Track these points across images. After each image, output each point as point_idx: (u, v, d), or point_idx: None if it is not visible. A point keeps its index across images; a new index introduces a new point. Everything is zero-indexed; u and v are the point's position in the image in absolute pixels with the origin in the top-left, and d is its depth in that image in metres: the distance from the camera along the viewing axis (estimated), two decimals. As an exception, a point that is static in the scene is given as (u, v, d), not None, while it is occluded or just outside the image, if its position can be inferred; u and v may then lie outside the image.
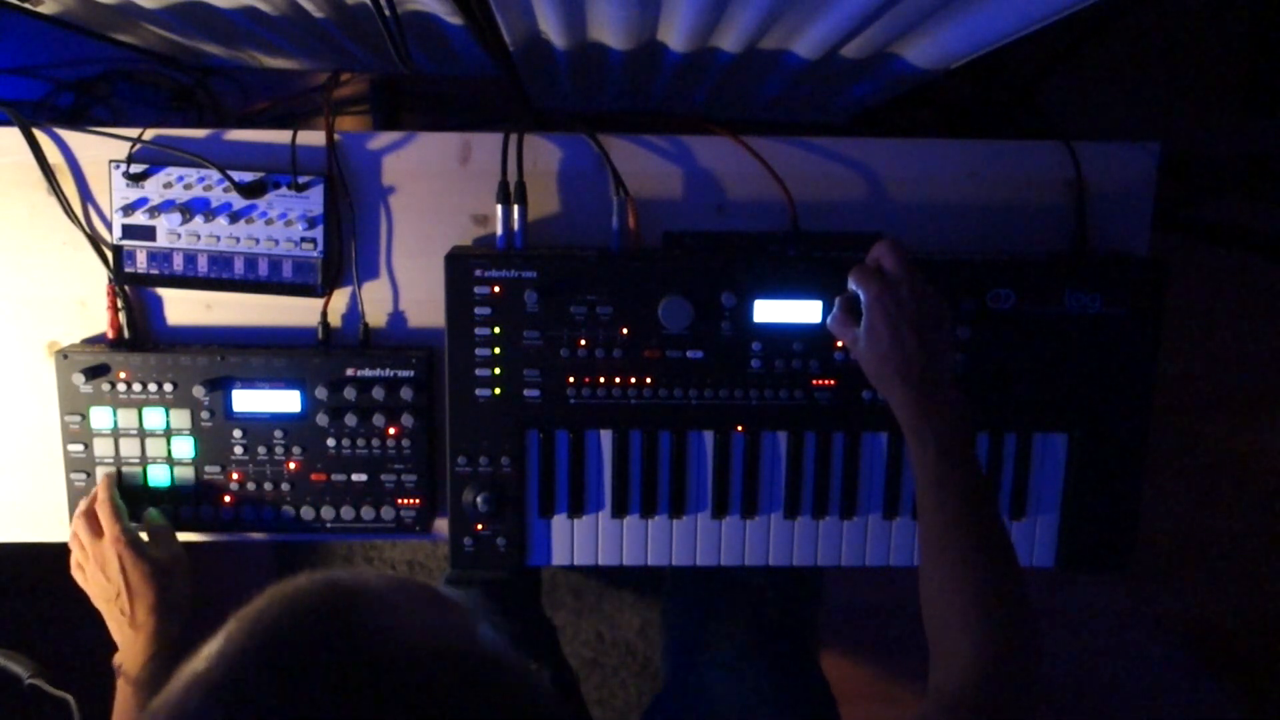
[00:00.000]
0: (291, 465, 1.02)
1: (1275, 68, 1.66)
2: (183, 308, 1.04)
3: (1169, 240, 1.38)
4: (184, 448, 1.01)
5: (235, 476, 1.02)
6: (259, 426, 1.01)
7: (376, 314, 1.04)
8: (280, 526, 1.04)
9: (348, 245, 1.03)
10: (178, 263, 1.00)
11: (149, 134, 1.00)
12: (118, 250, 1.00)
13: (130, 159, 0.99)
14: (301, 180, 0.99)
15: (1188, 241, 1.58)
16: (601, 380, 0.98)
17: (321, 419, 1.00)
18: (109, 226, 1.00)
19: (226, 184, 0.98)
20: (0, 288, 1.03)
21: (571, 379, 0.98)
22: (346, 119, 1.60)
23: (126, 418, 1.00)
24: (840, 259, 0.96)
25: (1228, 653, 2.15)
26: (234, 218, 0.99)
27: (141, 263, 1.00)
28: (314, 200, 0.99)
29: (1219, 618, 2.15)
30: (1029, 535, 1.04)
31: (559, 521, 1.03)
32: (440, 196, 1.03)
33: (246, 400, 1.00)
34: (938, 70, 1.04)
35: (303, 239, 1.00)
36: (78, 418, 1.00)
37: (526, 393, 0.98)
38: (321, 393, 1.00)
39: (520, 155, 1.00)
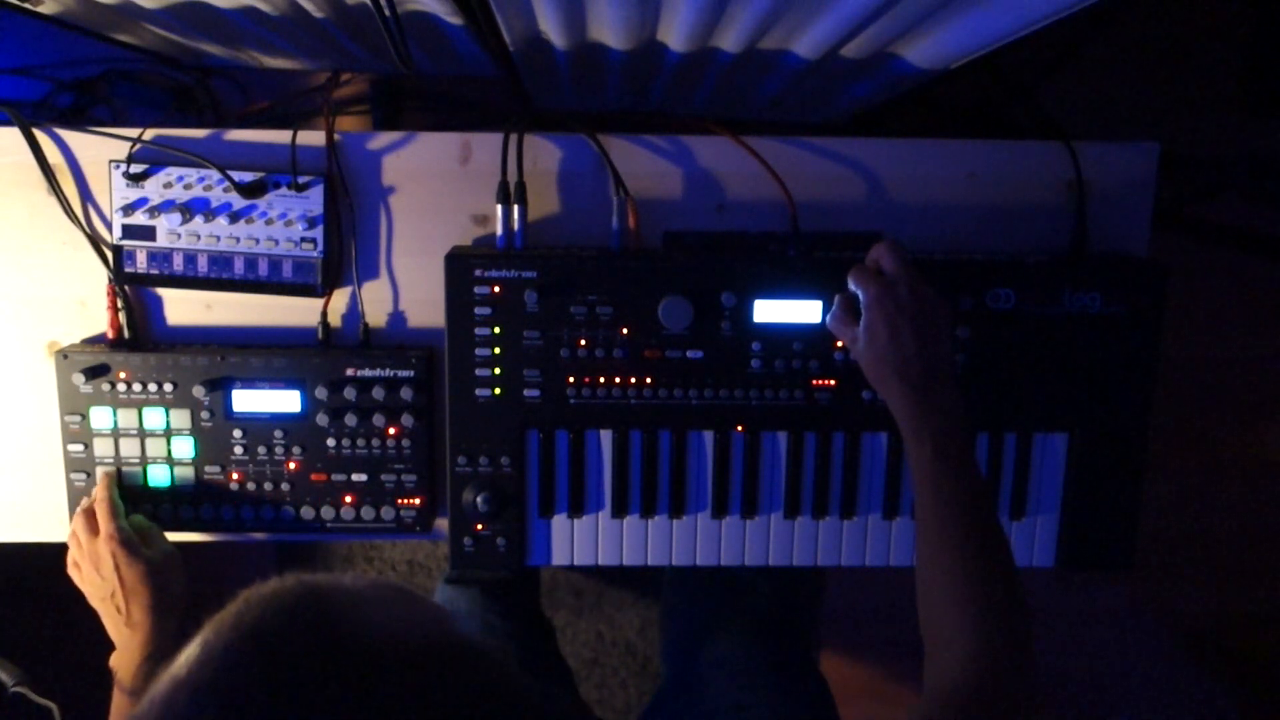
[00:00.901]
0: (291, 465, 1.02)
1: (1275, 68, 1.66)
2: (183, 308, 1.04)
3: (1169, 240, 1.38)
4: (184, 448, 1.01)
5: (235, 476, 1.02)
6: (259, 426, 1.01)
7: (376, 314, 1.04)
8: (280, 526, 1.04)
9: (348, 245, 1.03)
10: (178, 263, 1.00)
11: (149, 134, 1.00)
12: (118, 250, 1.00)
13: (130, 159, 0.99)
14: (301, 180, 0.99)
15: (1188, 241, 1.58)
16: (601, 380, 0.98)
17: (321, 419, 1.00)
18: (109, 226, 1.00)
19: (226, 184, 0.98)
20: (0, 288, 1.03)
21: (571, 379, 0.98)
22: (346, 119, 1.60)
23: (126, 418, 1.00)
24: (840, 259, 0.96)
25: (1228, 653, 2.15)
26: (234, 218, 0.99)
27: (141, 263, 1.00)
28: (314, 200, 0.99)
29: (1219, 618, 2.15)
30: (1029, 535, 1.04)
31: (559, 521, 1.03)
32: (440, 196, 1.03)
33: (246, 400, 1.00)
34: (938, 70, 1.04)
35: (303, 239, 1.00)
36: (78, 418, 1.00)
37: (526, 393, 0.98)
38: (321, 393, 1.00)
39: (520, 155, 1.00)
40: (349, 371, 1.00)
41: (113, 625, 0.96)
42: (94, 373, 0.99)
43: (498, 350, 0.97)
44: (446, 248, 1.00)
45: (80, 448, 1.01)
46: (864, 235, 1.03)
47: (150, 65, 1.37)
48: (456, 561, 1.01)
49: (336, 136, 1.01)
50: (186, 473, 1.02)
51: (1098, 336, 0.98)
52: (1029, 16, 0.83)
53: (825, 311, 0.96)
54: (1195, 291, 1.91)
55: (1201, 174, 1.45)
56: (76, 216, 1.01)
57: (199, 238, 1.00)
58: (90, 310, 1.03)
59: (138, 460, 1.01)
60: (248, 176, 0.98)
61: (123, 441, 1.01)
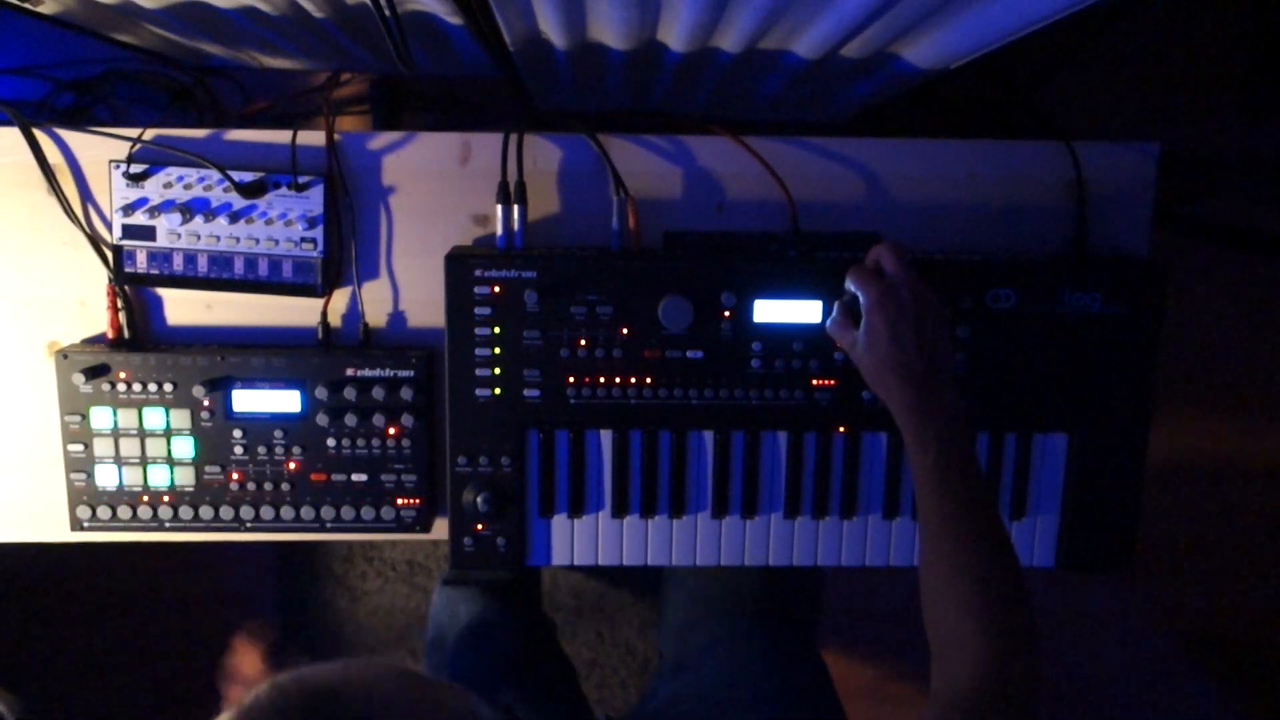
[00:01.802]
0: (291, 465, 1.02)
1: (1275, 68, 1.66)
2: (183, 308, 1.04)
3: (1169, 240, 1.38)
4: (184, 448, 1.01)
5: (235, 476, 1.02)
6: (259, 426, 1.01)
7: (376, 314, 1.04)
8: (280, 527, 1.04)
9: (348, 245, 1.03)
10: (178, 263, 1.00)
11: (149, 134, 1.00)
12: (118, 250, 1.00)
13: (130, 159, 0.99)
14: (301, 180, 0.99)
15: (1188, 241, 1.58)
16: (601, 380, 0.98)
17: (321, 419, 1.00)
18: (109, 226, 1.00)
19: (226, 184, 0.98)
20: (0, 288, 1.03)
21: (571, 379, 0.98)
22: (346, 119, 1.60)
23: (126, 418, 1.00)
24: (840, 259, 0.96)
25: (1228, 653, 2.15)
26: (234, 218, 0.99)
27: (141, 263, 1.00)
28: (314, 200, 0.99)
29: (1219, 618, 2.15)
30: (1029, 535, 1.04)
31: (559, 521, 1.03)
32: (440, 196, 1.03)
33: (246, 400, 1.00)
34: (938, 70, 1.04)
35: (303, 239, 1.00)
36: (78, 418, 1.00)
37: (526, 393, 0.98)
38: (321, 393, 1.00)
39: (520, 155, 1.00)
40: (349, 371, 1.00)
41: None
42: (94, 373, 0.99)
43: (498, 350, 0.97)
44: (446, 248, 1.00)
45: (80, 448, 1.01)
46: (864, 235, 1.03)
47: (150, 65, 1.37)
48: (456, 561, 1.01)
49: (336, 136, 1.01)
50: (186, 473, 1.02)
51: (1098, 336, 0.98)
52: (1029, 16, 0.83)
53: (825, 311, 0.96)
54: (1195, 291, 1.91)
55: (1201, 174, 1.45)
56: (76, 216, 1.01)
57: (199, 238, 1.00)
58: (90, 310, 1.03)
59: (138, 460, 1.01)
60: (248, 176, 0.98)
61: (123, 441, 1.01)
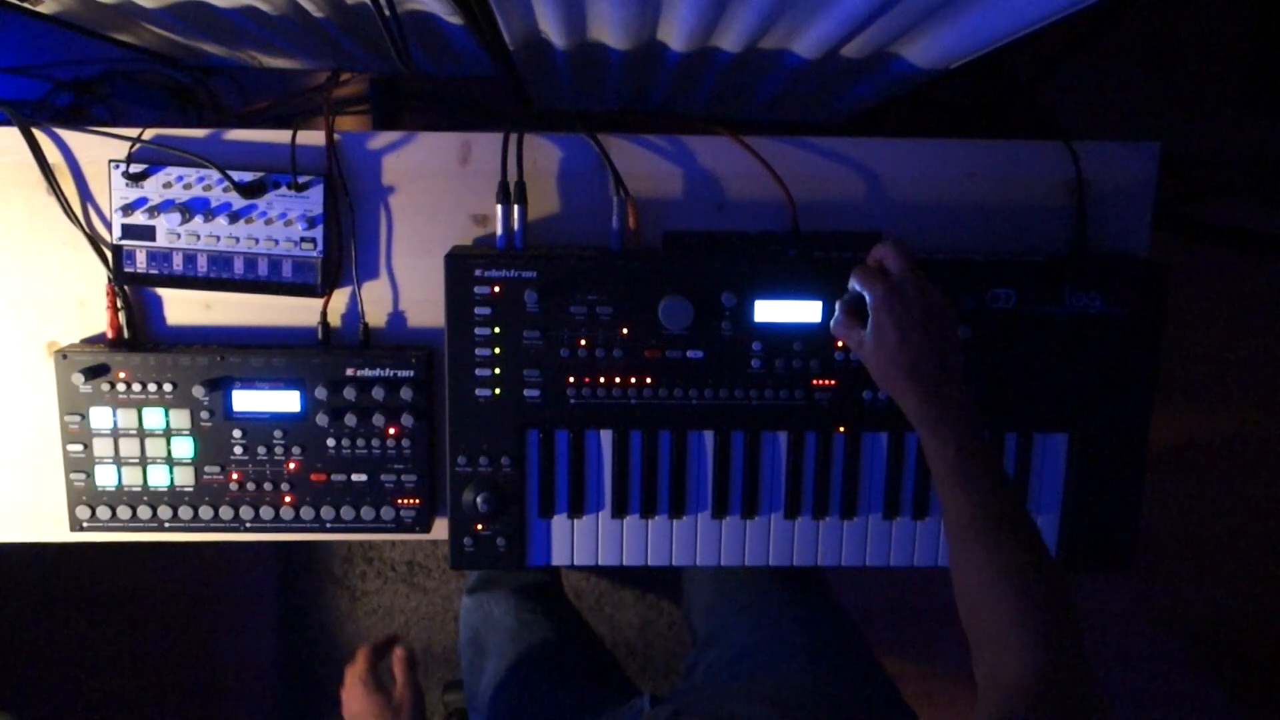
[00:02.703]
0: (291, 465, 1.02)
1: (1276, 67, 1.66)
2: (182, 308, 1.04)
3: (1169, 240, 1.38)
4: (184, 448, 1.01)
5: (235, 476, 1.02)
6: (259, 426, 1.01)
7: (376, 314, 1.04)
8: (280, 527, 1.04)
9: (348, 245, 1.03)
10: (177, 263, 1.00)
11: (149, 134, 1.00)
12: (117, 250, 1.00)
13: (130, 159, 0.99)
14: (301, 180, 0.99)
15: (1188, 241, 1.58)
16: (601, 380, 0.98)
17: (321, 419, 1.00)
18: (108, 226, 1.00)
19: (226, 184, 0.98)
20: (0, 288, 1.03)
21: (571, 379, 0.98)
22: (346, 119, 1.60)
23: (126, 418, 1.00)
24: (840, 259, 0.96)
25: (1228, 653, 2.15)
26: (234, 218, 0.99)
27: (141, 263, 1.00)
28: (314, 200, 0.99)
29: (1219, 618, 2.15)
30: (1029, 535, 1.04)
31: (559, 521, 1.03)
32: (440, 196, 1.03)
33: (246, 400, 1.00)
34: (938, 70, 1.04)
35: (302, 239, 1.00)
36: (77, 418, 1.00)
37: (526, 393, 0.98)
38: (321, 393, 1.00)
39: (520, 155, 1.00)
40: (349, 371, 1.00)
41: None
42: (94, 373, 0.99)
43: (498, 350, 0.97)
44: (446, 248, 1.00)
45: (80, 448, 1.01)
46: (864, 235, 1.03)
47: (150, 65, 1.37)
48: (456, 562, 1.01)
49: (336, 136, 1.01)
50: (186, 473, 1.02)
51: (1098, 336, 0.98)
52: (1029, 16, 0.83)
53: (825, 311, 0.96)
54: (1195, 291, 1.91)
55: (1201, 174, 1.45)
56: (76, 216, 1.01)
57: (199, 238, 1.00)
58: (90, 310, 1.03)
59: (137, 460, 1.01)
60: (247, 176, 0.98)
61: (122, 441, 1.01)
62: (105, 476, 1.01)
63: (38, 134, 1.00)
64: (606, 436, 1.01)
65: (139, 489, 1.02)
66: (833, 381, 0.99)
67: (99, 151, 1.00)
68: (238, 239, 1.00)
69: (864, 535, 1.04)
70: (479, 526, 1.00)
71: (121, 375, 1.00)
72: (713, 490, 1.02)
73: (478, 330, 0.96)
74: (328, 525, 1.03)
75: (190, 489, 1.02)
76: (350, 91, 1.59)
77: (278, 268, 1.00)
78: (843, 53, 0.99)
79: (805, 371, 0.98)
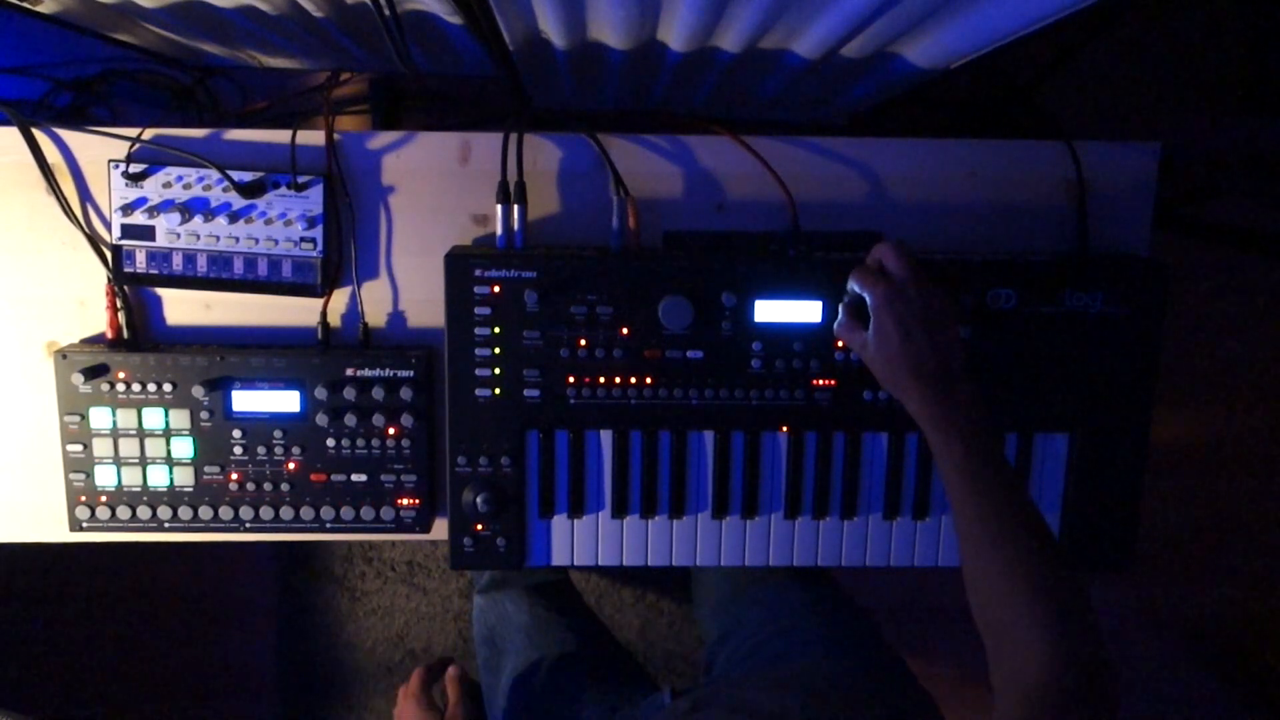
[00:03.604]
0: (291, 465, 1.02)
1: (1275, 67, 1.66)
2: (182, 308, 1.04)
3: (1169, 240, 1.38)
4: (183, 448, 1.01)
5: (235, 476, 1.02)
6: (258, 426, 1.01)
7: (376, 314, 1.04)
8: (280, 527, 1.04)
9: (347, 245, 1.02)
10: (177, 263, 1.00)
11: (148, 134, 1.00)
12: (117, 250, 1.00)
13: (129, 159, 0.99)
14: (301, 180, 0.99)
15: (1188, 241, 1.58)
16: (601, 380, 0.98)
17: (321, 419, 1.00)
18: (108, 226, 1.00)
19: (226, 184, 0.98)
20: (0, 288, 1.03)
21: (571, 379, 0.98)
22: (346, 119, 1.60)
23: (126, 418, 1.00)
24: (840, 259, 0.96)
25: (1228, 653, 2.15)
26: (233, 218, 0.99)
27: (141, 263, 1.00)
28: (314, 200, 0.99)
29: (1219, 618, 2.15)
30: (1029, 535, 1.04)
31: (559, 522, 1.03)
32: (440, 196, 1.03)
33: (246, 400, 1.00)
34: (938, 70, 1.04)
35: (302, 239, 1.00)
36: (77, 418, 1.00)
37: (526, 393, 0.98)
38: (321, 393, 1.00)
39: (520, 155, 1.00)
40: (349, 371, 1.00)
41: None
42: (93, 373, 0.99)
43: (498, 350, 0.97)
44: (446, 248, 1.00)
45: (80, 448, 1.01)
46: (864, 235, 1.03)
47: (150, 65, 1.37)
48: (456, 562, 1.01)
49: (336, 136, 1.01)
50: (186, 473, 1.02)
51: (1099, 336, 0.98)
52: (1029, 16, 0.83)
53: (825, 311, 0.96)
54: (1195, 291, 1.91)
55: (1201, 174, 1.45)
56: (76, 216, 1.01)
57: (198, 237, 1.00)
58: (90, 310, 1.03)
59: (137, 460, 1.01)
60: (247, 176, 0.98)
61: (122, 441, 1.01)
62: (105, 477, 1.01)
63: (37, 134, 1.00)
64: (606, 436, 1.01)
65: (139, 489, 1.02)
66: (833, 381, 0.99)
67: (99, 151, 1.00)
68: (237, 239, 1.00)
69: (864, 535, 1.04)
70: (479, 526, 1.00)
71: (121, 375, 0.99)
72: (713, 490, 1.02)
73: (478, 330, 0.96)
74: (328, 525, 1.03)
75: (190, 489, 1.02)
76: (350, 91, 1.59)
77: (277, 268, 1.00)
78: (843, 53, 0.99)
79: (805, 371, 0.98)
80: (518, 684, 1.19)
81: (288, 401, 1.00)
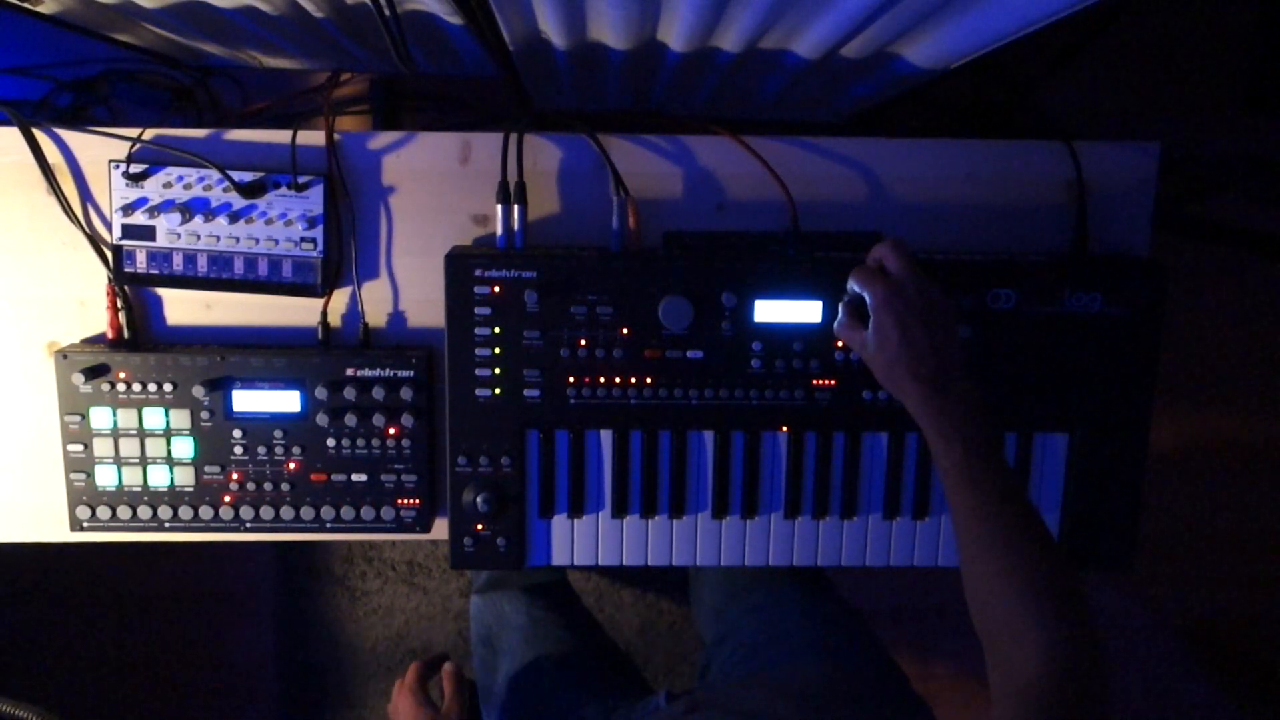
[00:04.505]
0: (291, 465, 1.02)
1: (1276, 67, 1.66)
2: (182, 308, 1.04)
3: (1169, 240, 1.38)
4: (184, 448, 1.01)
5: (235, 476, 1.02)
6: (259, 426, 1.01)
7: (376, 314, 1.04)
8: (280, 527, 1.04)
9: (348, 245, 1.03)
10: (177, 263, 1.00)
11: (149, 134, 1.00)
12: (117, 250, 1.00)
13: (130, 159, 0.99)
14: (301, 180, 0.99)
15: (1188, 241, 1.58)
16: (601, 380, 0.98)
17: (321, 419, 1.00)
18: (109, 226, 1.00)
19: (226, 184, 0.98)
20: (0, 288, 1.03)
21: (571, 379, 0.98)
22: (346, 119, 1.60)
23: (126, 418, 1.00)
24: (840, 259, 0.96)
25: (1228, 653, 2.15)
26: (234, 218, 0.99)
27: (141, 263, 1.00)
28: (314, 200, 0.99)
29: (1219, 618, 2.15)
30: (1029, 535, 1.04)
31: (559, 521, 1.03)
32: (440, 196, 1.03)
33: (246, 400, 1.00)
34: (938, 70, 1.04)
35: (302, 239, 1.00)
36: (77, 418, 1.00)
37: (526, 393, 0.98)
38: (321, 393, 1.00)
39: (520, 155, 1.00)
40: (349, 371, 1.00)
41: None
42: (94, 373, 0.99)
43: (498, 350, 0.97)
44: (446, 248, 1.00)
45: (80, 448, 1.01)
46: (864, 235, 1.03)
47: (150, 65, 1.37)
48: (456, 561, 1.01)
49: (336, 136, 1.01)
50: (186, 473, 1.02)
51: (1098, 336, 0.98)
52: (1029, 16, 0.83)
53: (825, 311, 0.96)
54: (1195, 291, 1.91)
55: (1201, 174, 1.45)
56: (76, 216, 1.01)
57: (199, 238, 1.00)
58: (90, 310, 1.03)
59: (137, 460, 1.01)
60: (247, 176, 0.98)
61: (122, 441, 1.01)
62: (105, 476, 1.01)
63: (38, 134, 1.00)
64: (606, 436, 1.01)
65: (139, 489, 1.02)
66: (833, 381, 0.99)
67: (99, 151, 1.00)
68: (238, 239, 1.00)
69: (864, 535, 1.04)
70: (479, 526, 1.01)
71: (121, 375, 1.00)
72: (713, 490, 1.02)
73: (478, 330, 0.96)
74: (328, 525, 1.03)
75: (190, 489, 1.02)
76: (350, 91, 1.59)
77: (278, 268, 1.00)
78: (843, 53, 1.00)
79: (805, 371, 0.98)
80: (514, 684, 1.19)
81: (288, 401, 1.00)
